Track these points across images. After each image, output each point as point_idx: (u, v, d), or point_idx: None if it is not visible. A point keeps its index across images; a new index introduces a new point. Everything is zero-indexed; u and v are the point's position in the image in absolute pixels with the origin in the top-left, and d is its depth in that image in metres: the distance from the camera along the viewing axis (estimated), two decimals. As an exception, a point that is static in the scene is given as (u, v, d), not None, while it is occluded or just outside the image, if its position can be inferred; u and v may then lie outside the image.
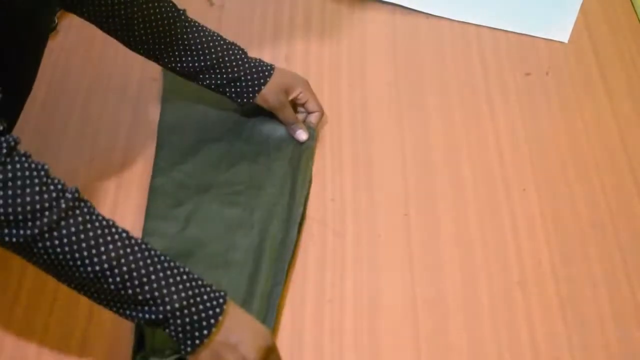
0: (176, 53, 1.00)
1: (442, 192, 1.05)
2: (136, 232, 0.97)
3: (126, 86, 1.15)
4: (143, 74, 1.16)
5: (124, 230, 0.75)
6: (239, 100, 1.05)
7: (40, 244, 0.71)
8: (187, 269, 0.78)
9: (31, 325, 0.90)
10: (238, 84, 1.03)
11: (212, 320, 0.76)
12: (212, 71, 1.02)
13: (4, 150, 0.70)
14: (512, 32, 1.28)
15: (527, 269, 0.97)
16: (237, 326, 0.78)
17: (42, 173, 0.72)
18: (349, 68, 1.20)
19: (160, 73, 1.15)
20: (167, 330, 0.77)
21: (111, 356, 0.87)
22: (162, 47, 1.00)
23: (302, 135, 1.07)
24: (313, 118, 1.09)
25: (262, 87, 1.04)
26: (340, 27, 1.27)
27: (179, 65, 1.01)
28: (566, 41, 1.27)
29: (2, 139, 0.70)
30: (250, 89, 1.04)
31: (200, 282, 0.78)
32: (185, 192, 1.01)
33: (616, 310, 0.94)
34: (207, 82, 1.03)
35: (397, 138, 1.11)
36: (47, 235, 0.71)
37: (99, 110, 1.12)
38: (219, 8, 1.28)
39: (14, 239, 0.71)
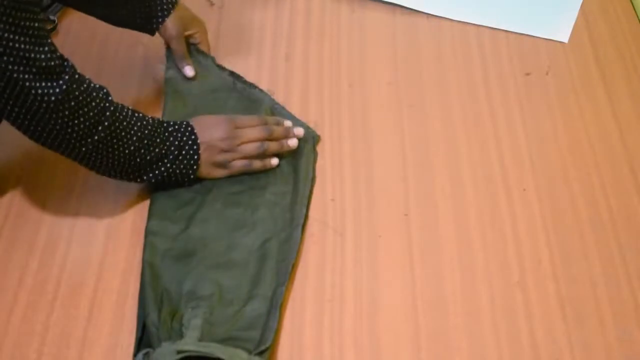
0: None
1: (442, 192, 1.05)
2: (137, 231, 0.98)
3: (126, 86, 1.15)
4: (143, 74, 1.16)
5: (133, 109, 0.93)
6: (149, 27, 1.08)
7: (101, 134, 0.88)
8: (160, 121, 0.96)
9: (31, 325, 0.90)
10: (148, 10, 1.06)
11: (196, 145, 0.97)
12: None
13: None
14: (512, 32, 1.28)
15: (527, 269, 0.97)
16: (206, 131, 0.98)
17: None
18: (349, 68, 1.20)
19: (162, 75, 1.15)
20: (171, 170, 0.96)
21: (111, 356, 0.87)
22: None
23: (189, 71, 1.12)
24: None
25: (171, 12, 1.08)
26: (340, 27, 1.27)
27: None
28: (566, 41, 1.27)
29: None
30: (160, 14, 1.07)
31: (168, 124, 0.96)
32: (189, 193, 1.01)
33: (616, 310, 0.94)
34: (123, 11, 1.05)
35: (397, 138, 1.11)
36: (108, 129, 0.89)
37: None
38: (219, 8, 1.28)
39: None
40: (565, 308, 0.94)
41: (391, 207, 1.03)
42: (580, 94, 1.19)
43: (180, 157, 0.96)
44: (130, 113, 0.92)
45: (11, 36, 0.78)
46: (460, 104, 1.16)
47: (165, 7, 1.08)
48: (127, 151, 0.91)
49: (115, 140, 0.89)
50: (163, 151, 0.94)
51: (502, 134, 1.12)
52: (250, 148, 1.01)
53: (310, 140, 1.08)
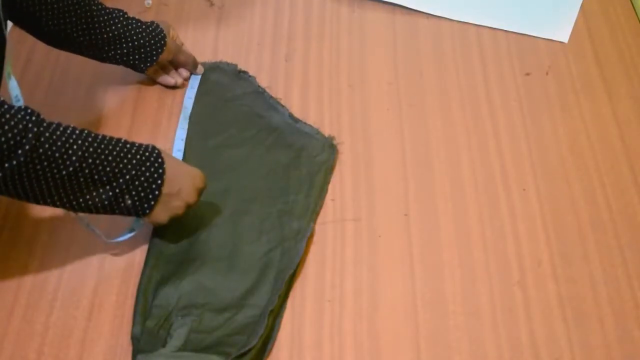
0: (86, 30, 1.02)
1: (442, 192, 1.05)
2: (137, 231, 0.97)
3: (127, 86, 1.15)
4: (143, 75, 1.16)
5: (73, 127, 0.82)
6: (143, 66, 1.10)
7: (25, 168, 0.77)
8: (119, 139, 0.85)
9: (31, 325, 0.90)
10: (142, 50, 1.08)
11: (159, 181, 0.86)
12: (118, 41, 1.05)
13: None
14: (512, 32, 1.28)
15: (527, 269, 0.97)
16: (176, 176, 0.88)
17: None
18: (349, 68, 1.20)
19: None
20: (124, 204, 0.85)
21: (111, 356, 0.87)
22: (71, 28, 1.01)
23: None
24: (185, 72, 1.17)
25: (164, 47, 1.09)
26: (340, 27, 1.27)
27: (87, 39, 1.03)
28: (566, 41, 1.27)
29: None
30: (154, 51, 1.09)
31: (134, 146, 0.86)
32: (202, 199, 1.00)
33: (616, 310, 0.94)
34: (112, 52, 1.06)
35: (397, 138, 1.11)
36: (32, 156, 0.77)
37: (99, 110, 1.12)
38: (219, 8, 1.28)
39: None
40: (565, 308, 0.94)
41: (391, 207, 1.03)
42: (580, 94, 1.19)
43: (137, 182, 0.85)
44: (70, 130, 0.80)
45: None
46: (460, 104, 1.16)
47: (155, 40, 1.09)
48: (64, 172, 0.79)
49: (46, 163, 0.78)
50: (116, 170, 0.83)
51: (502, 134, 1.12)
52: None
53: (331, 155, 1.07)
